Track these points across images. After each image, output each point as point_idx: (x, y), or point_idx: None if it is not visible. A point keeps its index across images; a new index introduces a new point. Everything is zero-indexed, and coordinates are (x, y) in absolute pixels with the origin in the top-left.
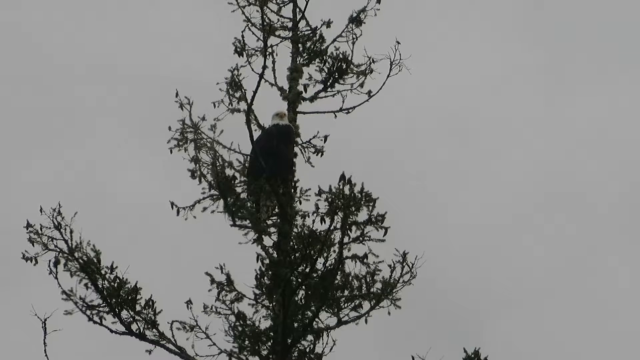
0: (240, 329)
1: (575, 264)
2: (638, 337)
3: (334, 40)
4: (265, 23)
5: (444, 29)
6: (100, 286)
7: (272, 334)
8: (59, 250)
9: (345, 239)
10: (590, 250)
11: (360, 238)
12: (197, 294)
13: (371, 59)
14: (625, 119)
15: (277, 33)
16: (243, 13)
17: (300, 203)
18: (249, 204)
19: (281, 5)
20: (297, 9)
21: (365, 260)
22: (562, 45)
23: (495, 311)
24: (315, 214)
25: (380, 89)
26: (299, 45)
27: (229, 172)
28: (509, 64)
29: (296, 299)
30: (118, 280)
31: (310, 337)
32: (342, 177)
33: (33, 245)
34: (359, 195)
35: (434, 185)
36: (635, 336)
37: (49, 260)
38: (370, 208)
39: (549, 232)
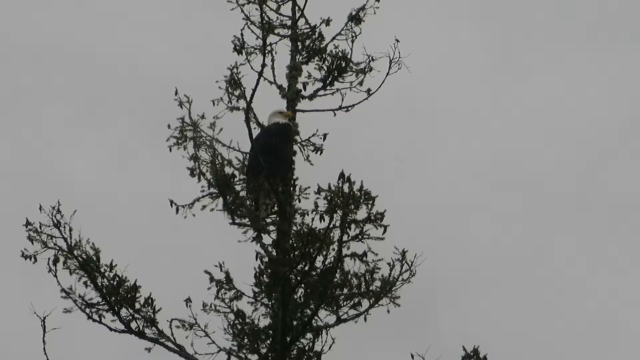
0: (239, 327)
1: (526, 251)
2: (590, 324)
3: (333, 38)
4: (264, 21)
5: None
6: (99, 284)
7: (271, 332)
8: (58, 248)
9: (345, 237)
10: (542, 237)
11: (360, 236)
12: (196, 292)
13: (370, 57)
14: (579, 101)
15: (276, 31)
16: (242, 11)
17: (300, 201)
18: (248, 202)
19: (280, 3)
20: (297, 7)
21: (364, 258)
22: (515, 25)
23: (446, 297)
24: (314, 212)
25: (380, 87)
26: (298, 43)
27: (228, 170)
28: (456, 45)
29: (295, 297)
30: (117, 279)
31: (309, 335)
32: (342, 175)
33: (32, 243)
34: (358, 194)
35: (388, 169)
36: (587, 323)
37: (48, 258)
38: (370, 206)
39: (499, 219)
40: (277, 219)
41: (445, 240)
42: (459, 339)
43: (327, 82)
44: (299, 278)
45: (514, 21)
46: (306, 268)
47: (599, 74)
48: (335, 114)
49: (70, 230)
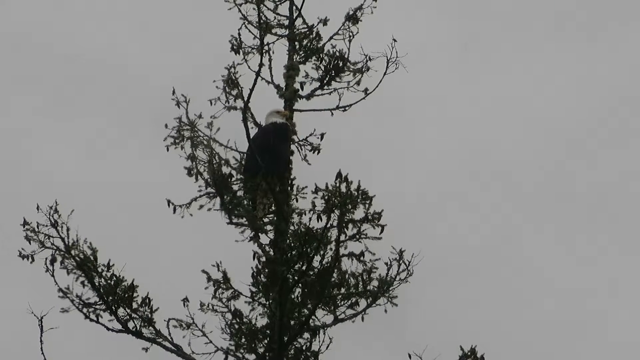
0: (236, 326)
1: (498, 242)
2: (563, 314)
3: (331, 38)
4: (261, 21)
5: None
6: (96, 284)
7: (268, 331)
8: (55, 248)
9: (342, 237)
10: (514, 227)
11: (357, 236)
12: (194, 291)
13: (368, 57)
14: (549, 91)
15: (273, 31)
16: (240, 11)
17: (297, 201)
18: (245, 202)
19: (278, 3)
20: (294, 7)
21: (361, 258)
22: (484, 15)
23: (417, 287)
24: (311, 212)
25: (377, 86)
26: (296, 43)
27: (225, 169)
28: (426, 34)
29: (293, 296)
30: (115, 278)
31: (306, 335)
32: (339, 174)
33: (30, 243)
34: (356, 193)
35: (368, 161)
36: (560, 313)
37: (46, 258)
38: (367, 206)
39: (473, 209)
40: (275, 218)
41: (420, 230)
42: (431, 329)
43: (325, 81)
44: (296, 278)
45: (484, 11)
46: (304, 268)
47: (569, 64)
48: (332, 114)
49: (68, 230)
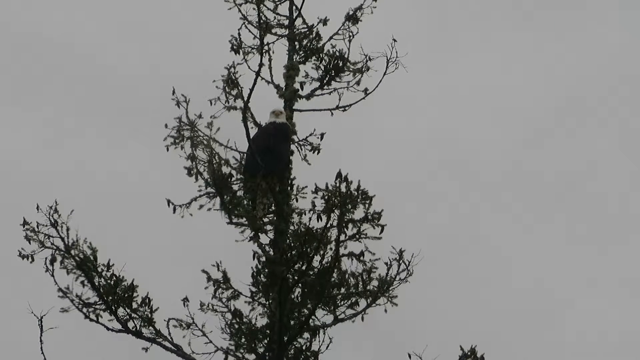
0: (236, 326)
1: (461, 229)
2: (527, 301)
3: (331, 38)
4: (261, 21)
5: None
6: (96, 284)
7: (268, 331)
8: (55, 247)
9: (342, 237)
10: (473, 217)
11: (357, 236)
12: (194, 291)
13: (368, 57)
14: (515, 79)
15: (273, 31)
16: (239, 11)
17: (297, 201)
18: (245, 202)
19: (278, 3)
20: (294, 7)
21: (361, 257)
22: (451, 3)
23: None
24: (311, 212)
25: (377, 86)
26: (296, 43)
27: (225, 169)
28: (391, 23)
29: (293, 296)
30: (114, 278)
31: (306, 335)
32: (339, 174)
33: (29, 242)
34: (356, 193)
35: (331, 148)
36: (524, 300)
37: (46, 258)
38: (367, 206)
39: (433, 199)
40: (275, 218)
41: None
42: (393, 320)
43: (325, 81)
44: (296, 277)
45: (450, 0)
46: (303, 267)
47: (535, 53)
48: (332, 114)
49: (68, 229)
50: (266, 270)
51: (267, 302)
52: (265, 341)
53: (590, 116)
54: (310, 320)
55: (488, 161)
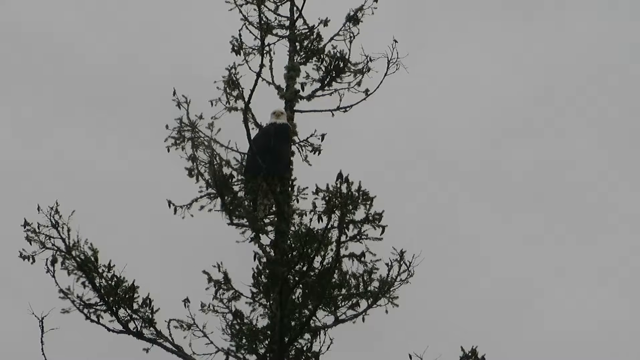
0: (237, 327)
1: (432, 220)
2: (499, 294)
3: (332, 38)
4: (262, 22)
5: None
6: (97, 285)
7: (269, 332)
8: (56, 248)
9: (343, 238)
10: (449, 209)
11: (358, 236)
12: (195, 292)
13: (368, 58)
14: (488, 72)
15: (274, 32)
16: (240, 12)
17: (298, 201)
18: (246, 203)
19: (278, 4)
20: (295, 8)
21: (362, 258)
22: None
23: None
24: (312, 213)
25: (378, 87)
26: (297, 43)
27: (226, 170)
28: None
29: (293, 297)
30: (115, 279)
31: (307, 336)
32: (340, 175)
33: (30, 243)
34: (356, 194)
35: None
36: (496, 294)
37: (47, 259)
38: (368, 206)
39: (407, 190)
40: (275, 219)
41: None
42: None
43: (325, 82)
44: (297, 278)
45: None
46: (304, 268)
47: (514, 43)
48: (333, 115)
49: (69, 230)
50: (267, 271)
51: (268, 303)
52: (266, 342)
53: (569, 106)
54: (311, 321)
55: (465, 151)
